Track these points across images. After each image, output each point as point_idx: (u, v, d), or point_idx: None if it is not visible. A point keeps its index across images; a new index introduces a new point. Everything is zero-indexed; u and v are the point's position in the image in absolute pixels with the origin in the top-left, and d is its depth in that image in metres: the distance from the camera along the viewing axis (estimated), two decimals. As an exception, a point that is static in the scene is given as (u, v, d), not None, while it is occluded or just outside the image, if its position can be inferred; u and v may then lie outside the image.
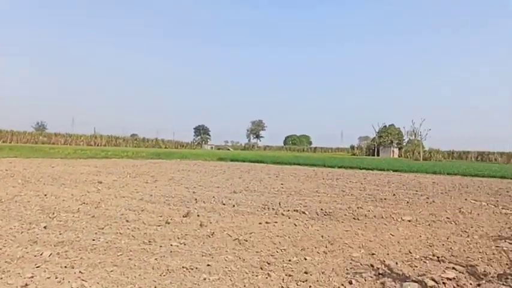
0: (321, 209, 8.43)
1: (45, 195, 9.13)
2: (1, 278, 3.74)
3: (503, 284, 4.00)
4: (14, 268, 4.03)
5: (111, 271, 4.04)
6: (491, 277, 4.26)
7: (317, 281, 3.99)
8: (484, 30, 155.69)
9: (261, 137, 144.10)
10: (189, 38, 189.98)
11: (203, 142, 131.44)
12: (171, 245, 5.20)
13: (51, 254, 4.55)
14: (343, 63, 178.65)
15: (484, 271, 4.47)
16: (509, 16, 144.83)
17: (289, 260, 4.71)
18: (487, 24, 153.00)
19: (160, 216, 7.14)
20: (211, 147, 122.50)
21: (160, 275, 3.98)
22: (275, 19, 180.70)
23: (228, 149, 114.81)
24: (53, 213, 7.01)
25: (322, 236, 6.05)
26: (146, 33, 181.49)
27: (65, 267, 4.12)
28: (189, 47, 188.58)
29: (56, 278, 3.80)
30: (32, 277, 3.78)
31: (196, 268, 4.22)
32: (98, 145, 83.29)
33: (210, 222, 6.78)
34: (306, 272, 4.24)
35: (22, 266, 4.12)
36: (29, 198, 8.63)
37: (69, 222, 6.34)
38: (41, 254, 4.52)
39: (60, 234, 5.57)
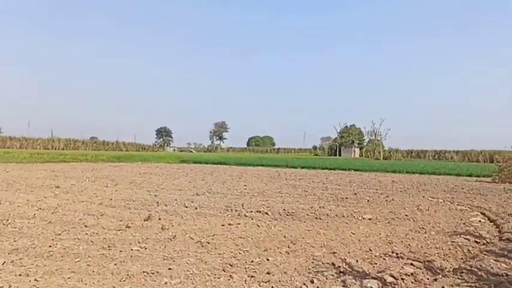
0: (284, 210, 8.50)
1: (-1, 201, 8.77)
2: (-51, 290, 3.56)
3: (458, 278, 4.13)
4: (-37, 278, 3.84)
5: (69, 278, 3.92)
6: (448, 271, 4.40)
7: (279, 281, 4.01)
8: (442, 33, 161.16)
9: (224, 138, 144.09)
10: (150, 38, 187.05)
11: (165, 144, 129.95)
12: (132, 249, 5.10)
13: (4, 262, 4.37)
14: (304, 66, 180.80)
15: (441, 266, 4.61)
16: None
17: (252, 261, 4.72)
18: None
19: (121, 221, 6.99)
20: (174, 150, 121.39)
21: (120, 281, 3.89)
22: (237, 21, 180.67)
23: (191, 151, 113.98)
24: (7, 220, 6.73)
25: (284, 236, 6.10)
26: (105, 33, 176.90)
27: (20, 275, 3.96)
28: (151, 47, 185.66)
29: (10, 286, 3.64)
30: (-17, 287, 3.62)
31: (158, 272, 4.15)
32: (55, 149, 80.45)
33: (172, 225, 6.69)
34: (268, 273, 4.25)
35: (-28, 276, 3.94)
36: (-19, 204, 8.26)
37: (24, 229, 6.10)
38: (-6, 263, 4.34)
39: (14, 241, 5.36)
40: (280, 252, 5.18)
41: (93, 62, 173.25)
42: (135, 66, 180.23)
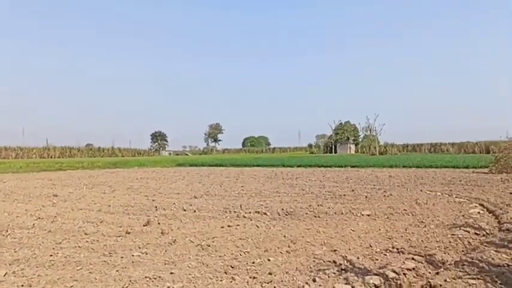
0: (282, 209, 8.50)
1: (-3, 212, 8.72)
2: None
3: (460, 271, 4.14)
4: (-35, 291, 3.83)
5: (71, 286, 3.91)
6: (449, 264, 4.40)
7: (281, 281, 4.01)
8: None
9: (219, 140, 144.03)
10: (142, 44, 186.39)
11: (161, 149, 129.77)
12: (133, 255, 5.10)
13: (6, 273, 4.35)
14: (295, 64, 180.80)
15: (442, 259, 4.62)
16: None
17: (253, 262, 4.72)
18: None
19: (120, 227, 6.99)
20: (170, 154, 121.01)
21: (123, 287, 3.89)
22: (230, 23, 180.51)
23: (187, 154, 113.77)
24: (7, 231, 6.70)
25: (284, 236, 6.10)
26: (95, 38, 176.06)
27: (22, 286, 3.95)
28: (143, 53, 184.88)
29: (12, 298, 3.64)
30: (-14, 299, 3.61)
31: (160, 277, 4.15)
32: (51, 157, 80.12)
33: (172, 230, 6.69)
34: (270, 273, 4.26)
35: (-26, 288, 3.92)
36: (-21, 216, 8.21)
37: (24, 239, 6.08)
38: (-5, 274, 4.32)
39: (15, 252, 5.34)
40: (280, 252, 5.18)
41: (86, 68, 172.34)
42: (128, 71, 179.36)
